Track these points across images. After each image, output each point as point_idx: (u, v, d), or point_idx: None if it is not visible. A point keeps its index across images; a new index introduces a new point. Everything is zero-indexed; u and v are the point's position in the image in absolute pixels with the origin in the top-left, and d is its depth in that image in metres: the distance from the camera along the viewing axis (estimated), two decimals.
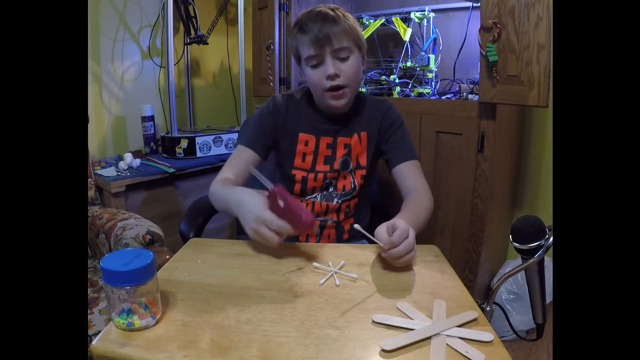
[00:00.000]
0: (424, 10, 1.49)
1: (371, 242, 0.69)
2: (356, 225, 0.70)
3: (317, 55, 0.87)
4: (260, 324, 0.53)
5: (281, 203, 0.69)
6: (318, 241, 1.00)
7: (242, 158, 0.94)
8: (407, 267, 0.69)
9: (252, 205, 0.71)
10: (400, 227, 0.67)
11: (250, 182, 1.21)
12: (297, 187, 0.98)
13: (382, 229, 0.69)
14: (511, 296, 1.43)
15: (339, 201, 0.97)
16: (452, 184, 1.35)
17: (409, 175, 0.93)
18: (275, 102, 0.97)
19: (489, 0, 1.10)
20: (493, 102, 1.17)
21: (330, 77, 0.86)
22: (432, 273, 0.68)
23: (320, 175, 0.96)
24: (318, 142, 0.96)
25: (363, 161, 0.97)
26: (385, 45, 1.75)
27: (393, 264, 0.68)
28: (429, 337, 0.50)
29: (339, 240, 1.01)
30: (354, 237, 1.02)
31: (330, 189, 0.98)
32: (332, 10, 0.88)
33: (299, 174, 0.97)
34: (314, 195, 0.98)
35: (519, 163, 1.61)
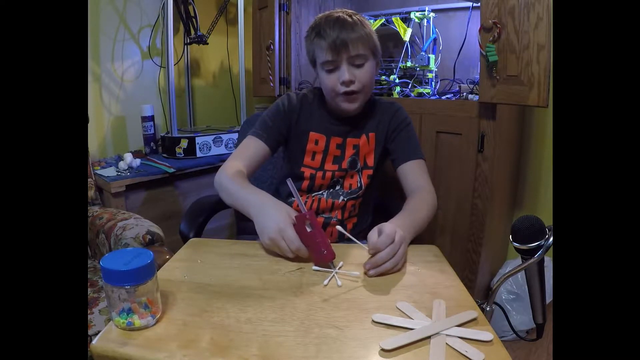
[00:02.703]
0: (424, 10, 1.49)
1: (350, 241, 0.71)
2: (338, 227, 0.72)
3: (334, 61, 0.88)
4: (260, 323, 0.53)
5: (308, 228, 0.69)
6: None
7: (253, 149, 0.94)
8: (398, 270, 0.68)
9: (277, 216, 0.71)
10: (385, 231, 0.67)
11: (257, 177, 1.21)
12: (305, 184, 0.99)
13: (373, 233, 0.69)
14: (511, 296, 1.43)
15: (345, 199, 0.98)
16: (452, 184, 1.35)
17: (413, 175, 0.93)
18: (290, 100, 0.99)
19: (489, 0, 1.10)
20: (493, 102, 1.17)
21: (345, 83, 0.88)
22: (432, 273, 0.68)
23: (329, 174, 0.98)
24: (328, 142, 0.98)
25: (370, 161, 0.99)
26: (385, 45, 1.75)
27: (378, 269, 0.66)
28: (429, 337, 0.50)
29: (341, 238, 1.01)
30: (356, 236, 1.02)
31: (337, 187, 1.00)
32: (350, 16, 0.89)
33: (307, 172, 0.98)
34: (320, 192, 1.00)
35: (519, 163, 1.61)
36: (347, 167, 0.98)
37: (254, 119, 1.26)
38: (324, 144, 0.97)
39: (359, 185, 0.99)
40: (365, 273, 0.67)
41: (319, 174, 0.98)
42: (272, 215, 0.72)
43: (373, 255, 0.66)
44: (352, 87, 0.88)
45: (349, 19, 0.87)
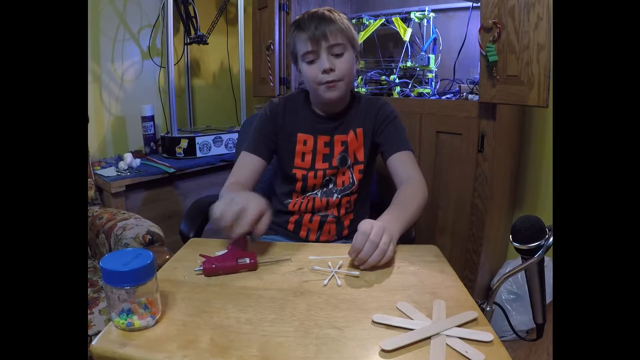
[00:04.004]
0: (424, 10, 1.49)
1: (347, 241, 0.70)
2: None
3: (314, 51, 0.90)
4: (259, 323, 0.53)
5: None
6: (318, 237, 1.01)
7: (248, 165, 0.96)
8: (389, 264, 0.69)
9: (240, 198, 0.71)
10: (359, 230, 0.67)
11: (258, 188, 1.22)
12: (298, 185, 1.00)
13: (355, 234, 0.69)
14: (511, 296, 1.43)
15: (339, 196, 0.99)
16: (452, 184, 1.35)
17: (402, 166, 0.94)
18: (272, 106, 1.01)
19: (489, 0, 1.10)
20: (493, 102, 1.17)
21: (326, 72, 0.90)
22: (432, 273, 0.68)
23: (320, 173, 0.98)
24: (316, 141, 0.98)
25: (360, 156, 0.99)
26: (385, 45, 1.75)
27: (365, 265, 0.67)
28: (429, 337, 0.50)
29: (339, 235, 1.02)
30: (354, 233, 1.02)
31: (330, 186, 1.00)
32: (329, 11, 0.93)
33: (299, 173, 0.99)
34: (314, 192, 1.00)
35: (519, 163, 1.61)
36: (337, 165, 0.98)
37: (253, 119, 1.26)
38: (312, 143, 0.98)
39: (351, 181, 1.00)
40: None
41: (311, 173, 0.98)
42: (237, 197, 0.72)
43: (355, 257, 0.67)
44: (332, 76, 0.90)
45: (327, 13, 0.92)
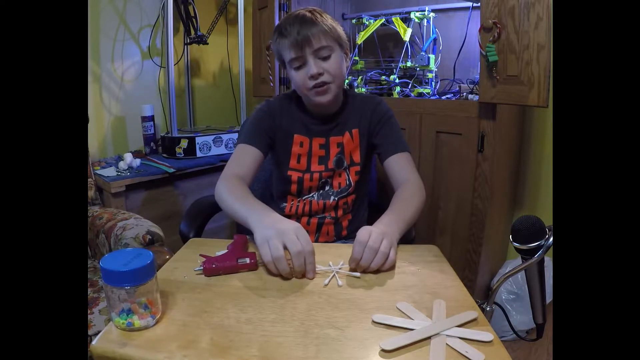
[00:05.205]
0: (424, 10, 1.49)
1: (347, 240, 0.69)
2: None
3: (299, 57, 0.88)
4: (260, 323, 0.53)
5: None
6: (317, 238, 1.00)
7: (246, 156, 0.93)
8: (393, 267, 0.68)
9: (290, 222, 0.69)
10: (356, 239, 0.67)
11: (257, 179, 1.22)
12: (294, 187, 0.99)
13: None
14: (511, 296, 1.43)
15: (336, 199, 0.99)
16: (452, 184, 1.35)
17: (399, 168, 0.93)
18: (269, 104, 0.99)
19: (489, 0, 1.10)
20: (493, 102, 1.17)
21: (313, 77, 0.88)
22: (432, 273, 0.68)
23: (316, 175, 0.98)
24: (311, 143, 0.98)
25: (357, 157, 0.99)
26: (385, 45, 1.75)
27: (367, 271, 0.67)
28: (429, 337, 0.50)
29: (338, 236, 1.01)
30: (353, 233, 1.02)
31: (327, 188, 0.99)
32: (310, 12, 0.90)
33: (294, 175, 0.98)
34: (310, 195, 1.00)
35: (519, 163, 1.61)
36: (333, 167, 0.98)
37: None
38: (307, 145, 0.97)
39: (347, 183, 0.99)
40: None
41: (307, 176, 0.98)
42: (286, 222, 0.69)
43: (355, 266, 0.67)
44: (322, 79, 0.88)
45: (308, 14, 0.89)
